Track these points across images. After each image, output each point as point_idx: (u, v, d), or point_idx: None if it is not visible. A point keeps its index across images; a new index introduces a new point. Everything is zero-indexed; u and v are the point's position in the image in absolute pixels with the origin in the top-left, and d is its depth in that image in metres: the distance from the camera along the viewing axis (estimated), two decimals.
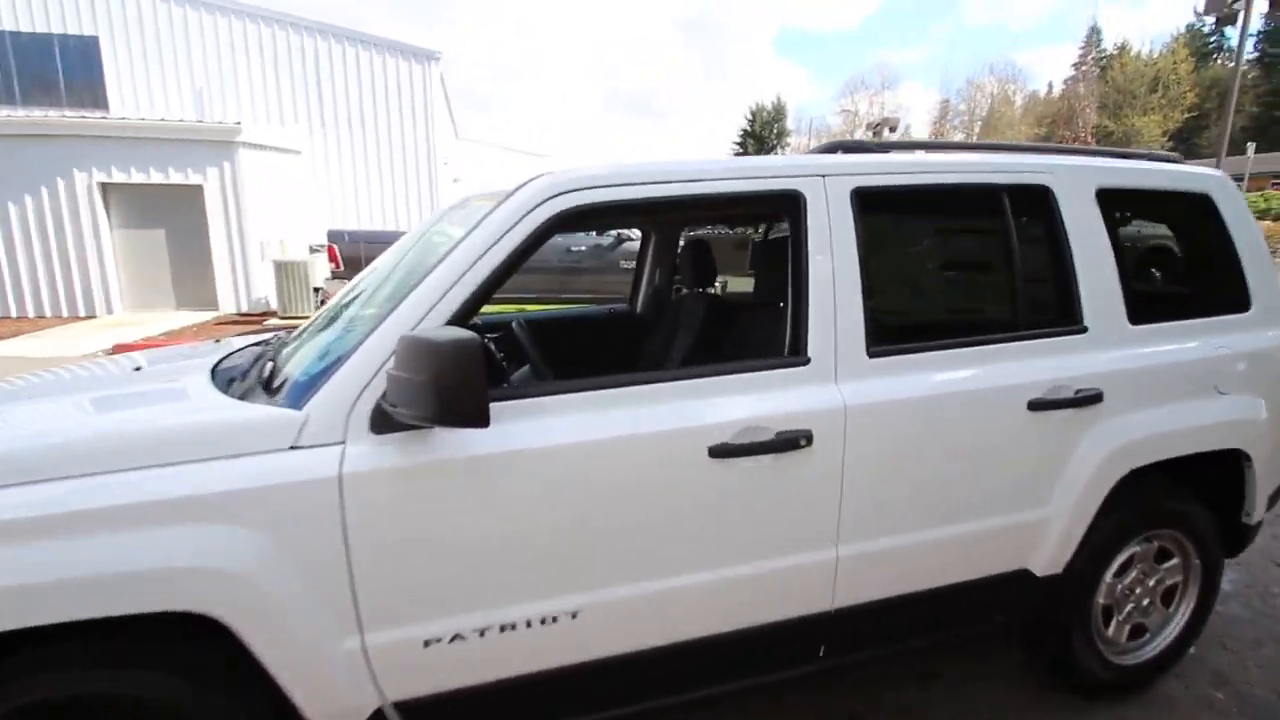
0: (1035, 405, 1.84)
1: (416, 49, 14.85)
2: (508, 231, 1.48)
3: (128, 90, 14.32)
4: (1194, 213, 2.29)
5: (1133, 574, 2.22)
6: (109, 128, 11.00)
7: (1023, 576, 1.98)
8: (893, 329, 1.79)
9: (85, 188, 10.80)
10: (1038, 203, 1.98)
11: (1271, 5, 20.90)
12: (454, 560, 1.42)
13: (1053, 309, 1.98)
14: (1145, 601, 2.27)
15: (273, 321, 9.72)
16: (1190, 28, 42.22)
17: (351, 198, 14.92)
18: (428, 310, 1.41)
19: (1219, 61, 41.29)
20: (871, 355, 1.71)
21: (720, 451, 1.54)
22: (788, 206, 1.72)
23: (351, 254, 9.46)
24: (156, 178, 11.06)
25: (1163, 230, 3.01)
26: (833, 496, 1.67)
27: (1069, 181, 2.02)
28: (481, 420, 1.25)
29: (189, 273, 11.49)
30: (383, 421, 1.35)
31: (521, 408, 1.46)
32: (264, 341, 2.12)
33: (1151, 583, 2.26)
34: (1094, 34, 47.33)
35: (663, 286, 3.44)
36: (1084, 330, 1.96)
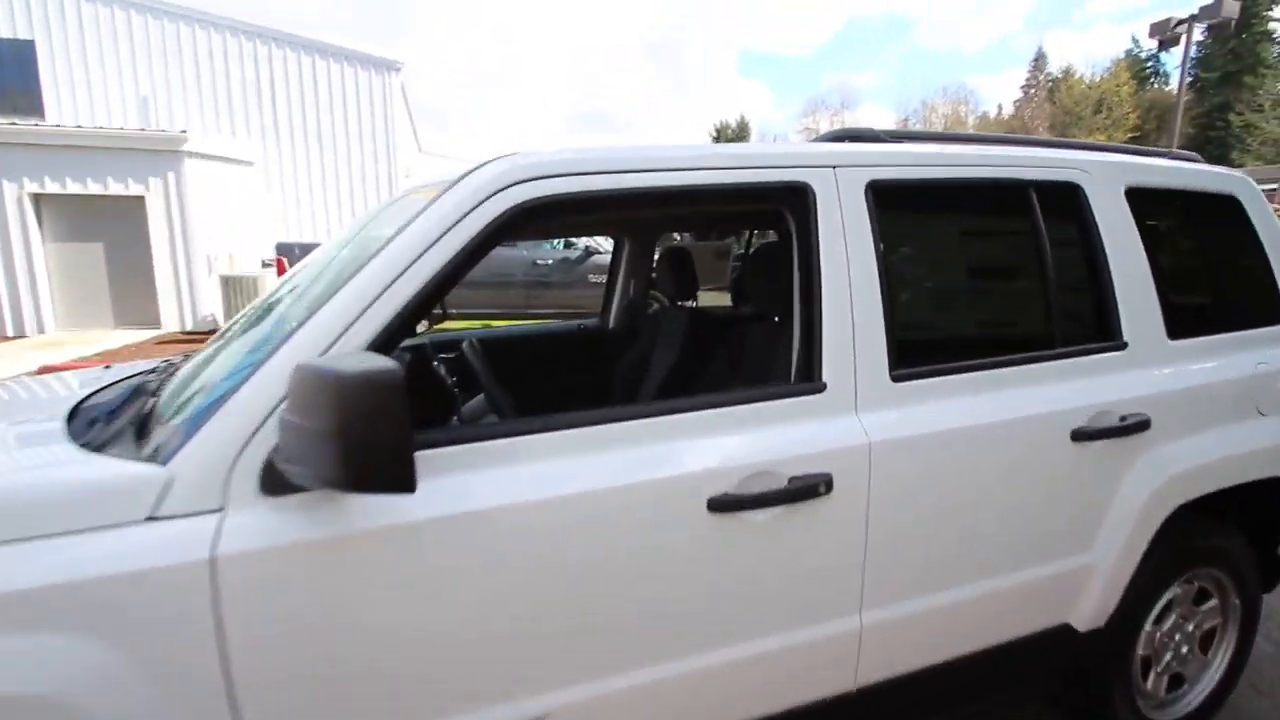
0: (1079, 435, 1.58)
1: (376, 59, 14.40)
2: (450, 229, 1.16)
3: (66, 97, 13.54)
4: (1220, 216, 2.09)
5: (1171, 619, 1.97)
6: (42, 135, 10.33)
7: (1064, 633, 1.71)
8: (917, 347, 1.52)
9: (15, 199, 10.09)
10: (1068, 202, 1.74)
11: (1209, 30, 21.95)
12: (380, 664, 1.07)
13: (1089, 322, 1.74)
14: (1184, 649, 2.03)
15: None
16: (1129, 53, 44.17)
17: (307, 210, 14.32)
18: (341, 331, 1.07)
19: (1155, 85, 43.26)
20: (895, 379, 1.43)
21: (722, 504, 1.23)
22: (793, 202, 1.43)
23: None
24: (94, 188, 10.41)
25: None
26: (856, 553, 1.37)
27: (1099, 178, 1.78)
28: (404, 484, 0.92)
29: (129, 289, 10.80)
30: (278, 479, 1.01)
31: (471, 455, 1.13)
32: (153, 369, 1.73)
33: (1190, 627, 2.02)
34: (1040, 58, 49.12)
35: (638, 299, 3.14)
36: (1123, 347, 1.72)
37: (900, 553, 1.43)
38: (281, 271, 9.43)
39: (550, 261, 9.78)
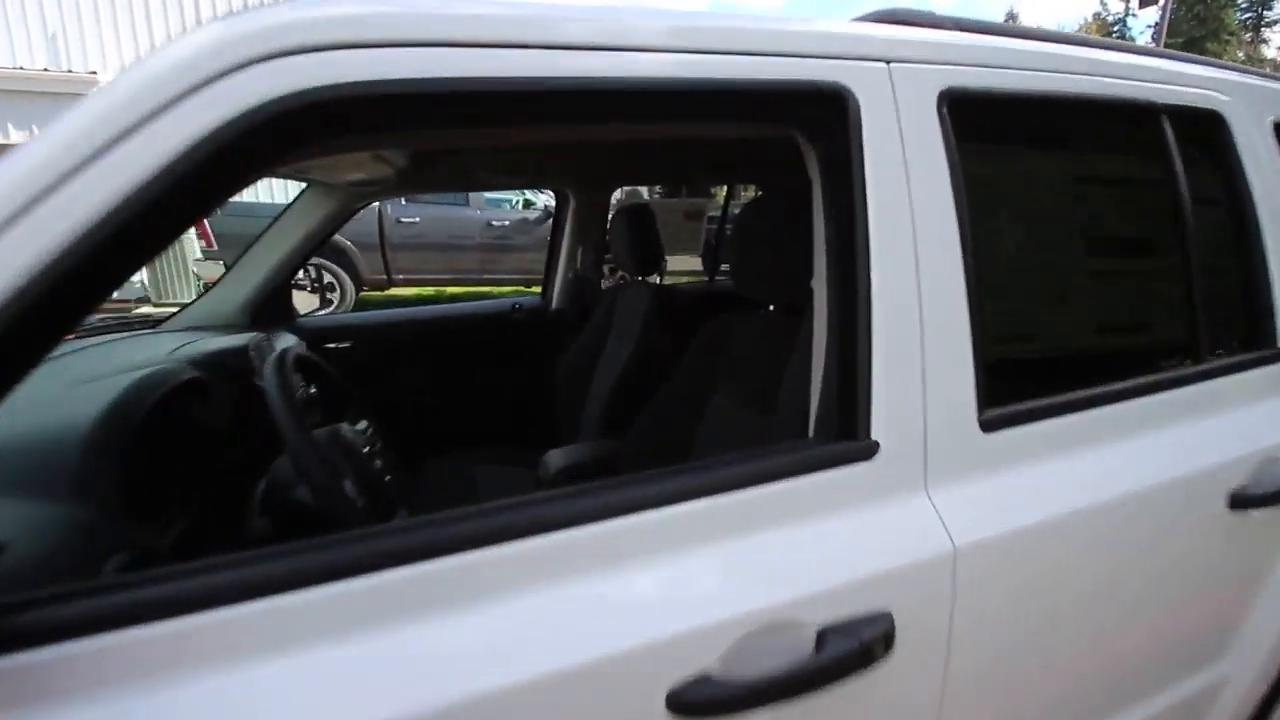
0: (1240, 501, 1.03)
1: None
2: (126, 136, 0.52)
3: None
4: None
5: None
6: None
7: None
8: (1016, 370, 0.94)
9: None
10: (1206, 139, 1.17)
11: None
12: None
13: (1236, 320, 1.18)
14: None
15: (144, 310, 8.16)
16: (1096, 16, 43.89)
17: None
18: None
19: None
20: (986, 427, 0.85)
21: (699, 706, 0.64)
22: (817, 119, 0.81)
23: (227, 229, 7.99)
24: None
25: None
26: None
27: (1244, 108, 1.21)
28: None
29: None
30: None
31: (143, 649, 0.53)
32: None
33: None
34: (1012, 18, 48.58)
35: (588, 272, 2.52)
36: (1279, 355, 1.18)
37: (985, 712, 0.87)
38: (202, 233, 8.45)
39: (507, 223, 8.99)
